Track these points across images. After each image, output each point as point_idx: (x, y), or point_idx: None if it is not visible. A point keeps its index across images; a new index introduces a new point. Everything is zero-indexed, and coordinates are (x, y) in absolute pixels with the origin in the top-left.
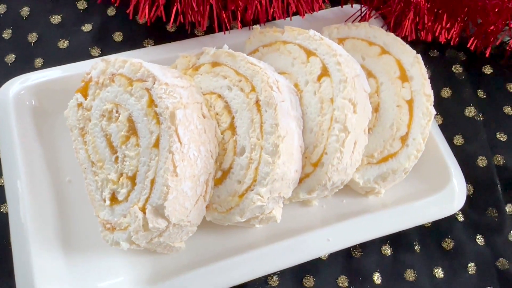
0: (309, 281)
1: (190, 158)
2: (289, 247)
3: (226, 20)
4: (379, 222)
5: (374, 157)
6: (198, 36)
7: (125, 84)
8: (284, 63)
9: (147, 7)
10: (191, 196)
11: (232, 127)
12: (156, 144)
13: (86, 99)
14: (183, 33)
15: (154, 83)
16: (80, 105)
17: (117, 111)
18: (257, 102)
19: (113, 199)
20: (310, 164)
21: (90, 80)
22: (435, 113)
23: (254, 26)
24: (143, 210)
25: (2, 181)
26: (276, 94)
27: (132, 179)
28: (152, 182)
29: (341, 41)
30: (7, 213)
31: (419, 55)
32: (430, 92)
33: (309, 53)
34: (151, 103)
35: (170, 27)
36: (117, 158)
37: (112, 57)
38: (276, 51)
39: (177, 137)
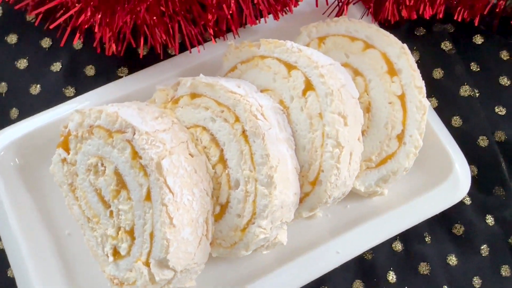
0: None
1: (185, 204)
2: (299, 266)
3: (197, 37)
4: (386, 224)
5: (372, 161)
6: (172, 55)
7: (105, 136)
8: (265, 79)
9: (113, 43)
10: (193, 240)
11: (222, 160)
12: (148, 197)
13: (68, 153)
14: (157, 54)
15: (134, 133)
16: (64, 160)
17: (102, 164)
18: (243, 132)
19: (116, 254)
20: (308, 183)
21: (69, 134)
22: (429, 104)
23: (228, 42)
24: (147, 264)
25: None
26: (262, 122)
27: (131, 233)
28: (151, 235)
29: (321, 40)
30: (13, 277)
31: (405, 45)
32: (421, 83)
33: (290, 66)
34: (135, 155)
35: (141, 57)
36: (111, 212)
37: (86, 107)
38: (255, 67)
39: (168, 188)
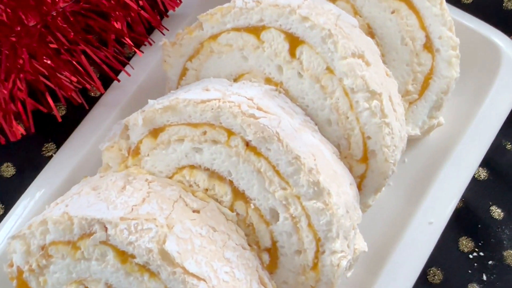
0: (435, 273)
1: (227, 282)
2: (397, 266)
3: (116, 58)
4: (463, 159)
5: (411, 92)
6: (98, 97)
7: (70, 252)
8: (233, 62)
9: (15, 124)
10: None
11: (238, 194)
12: None
13: None
14: (79, 105)
15: (106, 228)
16: None
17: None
18: (247, 145)
19: None
20: (356, 161)
21: (20, 272)
22: None
23: (160, 43)
24: None
25: None
26: (265, 119)
27: None
28: None
29: None
30: None
31: None
32: None
33: (255, 30)
34: (124, 256)
35: (59, 120)
36: None
37: (21, 220)
38: (211, 55)
39: (194, 277)
